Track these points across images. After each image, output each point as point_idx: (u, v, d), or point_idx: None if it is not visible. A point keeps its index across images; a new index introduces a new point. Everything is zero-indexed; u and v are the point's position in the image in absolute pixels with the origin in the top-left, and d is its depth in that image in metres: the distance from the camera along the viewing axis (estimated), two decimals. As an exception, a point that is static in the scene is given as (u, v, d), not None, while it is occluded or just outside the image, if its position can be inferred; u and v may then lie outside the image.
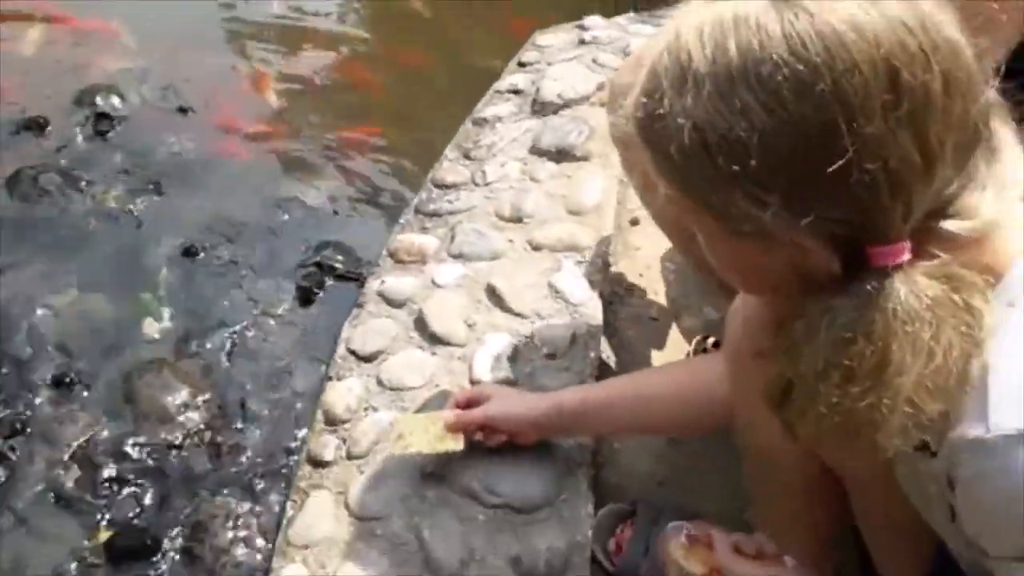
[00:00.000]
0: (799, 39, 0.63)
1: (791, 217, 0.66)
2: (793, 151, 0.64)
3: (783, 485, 1.04)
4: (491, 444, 1.24)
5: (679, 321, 1.60)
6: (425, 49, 2.85)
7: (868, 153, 0.63)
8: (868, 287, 0.65)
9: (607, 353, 1.52)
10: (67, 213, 2.05)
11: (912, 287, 0.65)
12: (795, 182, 0.65)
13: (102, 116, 2.35)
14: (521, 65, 2.28)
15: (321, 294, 1.91)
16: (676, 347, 1.56)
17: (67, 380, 1.66)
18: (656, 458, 1.37)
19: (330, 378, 1.48)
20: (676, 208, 0.74)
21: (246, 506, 1.48)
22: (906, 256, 0.65)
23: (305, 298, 1.89)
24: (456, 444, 1.21)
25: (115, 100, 2.42)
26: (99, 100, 2.39)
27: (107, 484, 1.51)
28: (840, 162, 0.62)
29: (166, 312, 1.84)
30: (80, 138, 2.30)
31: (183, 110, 2.45)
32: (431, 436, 1.22)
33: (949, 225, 0.67)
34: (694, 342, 1.52)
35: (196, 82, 2.54)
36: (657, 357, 1.56)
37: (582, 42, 2.33)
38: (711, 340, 1.49)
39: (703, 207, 0.70)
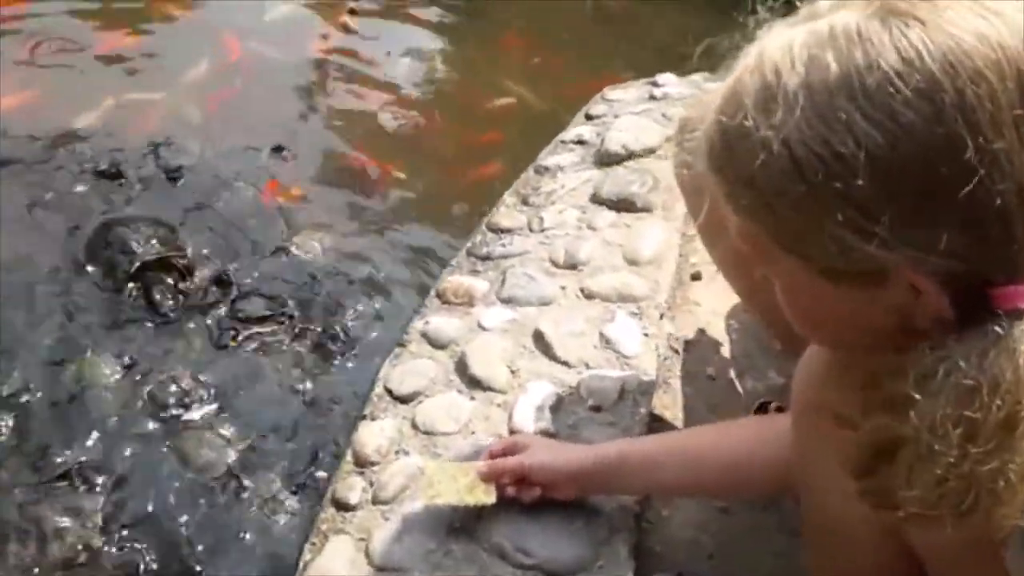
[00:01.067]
0: (912, 48, 0.56)
1: (902, 249, 0.57)
2: (907, 170, 0.56)
3: (852, 565, 0.92)
4: (525, 499, 1.15)
5: (741, 382, 1.49)
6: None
7: (998, 172, 0.54)
8: (995, 330, 0.56)
9: (659, 411, 1.42)
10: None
11: None
12: (910, 207, 0.56)
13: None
14: (588, 117, 2.24)
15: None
16: (734, 410, 1.44)
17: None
18: (705, 527, 1.25)
19: (363, 417, 1.42)
20: (749, 248, 0.66)
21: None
22: None
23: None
24: (488, 497, 1.12)
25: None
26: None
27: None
28: (965, 183, 0.54)
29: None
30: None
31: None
32: (461, 486, 1.14)
33: None
34: (756, 405, 1.40)
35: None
36: (715, 419, 1.44)
37: (652, 97, 2.28)
38: (774, 404, 1.37)
39: (787, 242, 0.62)
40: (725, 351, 1.55)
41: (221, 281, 1.95)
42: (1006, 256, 0.57)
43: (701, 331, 1.60)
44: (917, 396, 0.58)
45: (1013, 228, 0.55)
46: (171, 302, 1.87)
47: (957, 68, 0.55)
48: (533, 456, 1.14)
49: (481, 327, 1.51)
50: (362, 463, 1.33)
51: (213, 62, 2.75)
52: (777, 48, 0.61)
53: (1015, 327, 0.56)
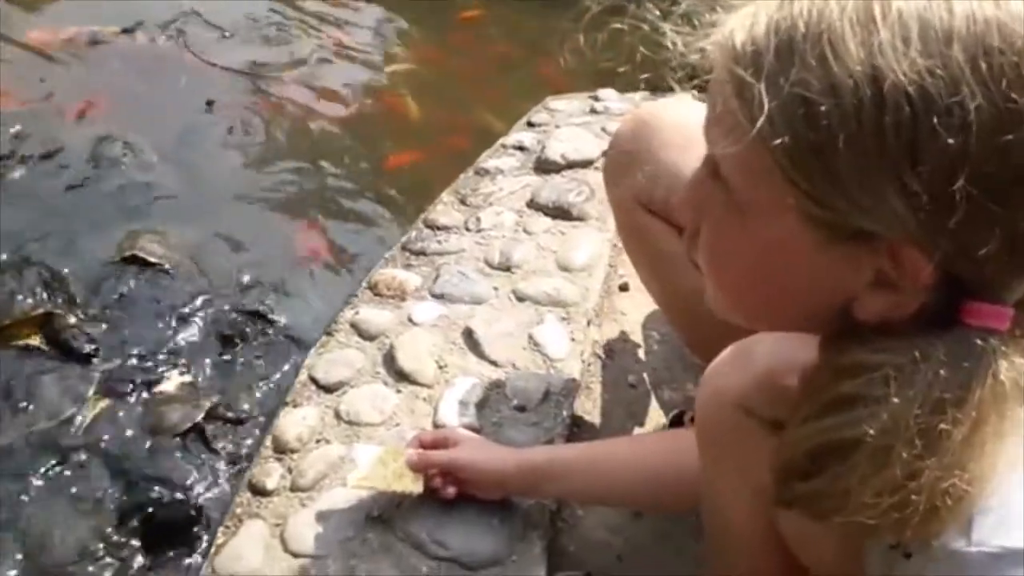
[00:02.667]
0: None
1: (934, 226, 0.51)
2: (1012, 151, 0.50)
3: (751, 571, 0.96)
4: (445, 494, 1.16)
5: (658, 392, 1.54)
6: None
7: None
8: (976, 343, 0.53)
9: (580, 414, 1.45)
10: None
11: (1010, 361, 0.53)
12: (993, 189, 0.50)
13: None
14: (530, 124, 2.27)
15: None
16: (653, 418, 1.49)
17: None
18: (617, 530, 1.29)
19: (286, 404, 1.40)
20: (738, 180, 0.57)
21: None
22: (1006, 325, 0.54)
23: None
24: (415, 486, 1.13)
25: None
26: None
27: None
28: None
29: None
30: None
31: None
32: (390, 472, 1.14)
33: None
34: (671, 415, 1.45)
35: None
36: (633, 425, 1.49)
37: (593, 111, 2.33)
38: (689, 415, 1.42)
39: (808, 180, 0.54)
40: (646, 360, 1.60)
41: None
42: (1004, 272, 0.54)
43: (624, 340, 1.65)
44: (895, 398, 0.53)
45: None
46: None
47: None
48: (464, 453, 1.14)
49: (411, 321, 1.52)
50: (281, 449, 1.32)
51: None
52: None
53: (989, 343, 0.53)
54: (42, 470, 1.46)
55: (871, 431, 0.54)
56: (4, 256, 1.86)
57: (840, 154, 0.52)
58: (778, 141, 0.53)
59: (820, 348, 0.61)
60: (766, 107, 0.53)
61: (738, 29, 0.56)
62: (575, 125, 2.20)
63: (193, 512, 1.42)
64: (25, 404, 1.56)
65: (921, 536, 0.56)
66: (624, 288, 1.74)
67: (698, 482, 0.94)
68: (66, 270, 1.85)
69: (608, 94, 2.44)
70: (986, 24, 0.51)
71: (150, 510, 1.41)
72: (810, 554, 0.83)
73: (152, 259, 1.92)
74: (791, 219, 0.56)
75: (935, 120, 0.50)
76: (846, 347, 0.58)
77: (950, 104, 0.50)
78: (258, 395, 1.67)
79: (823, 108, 0.52)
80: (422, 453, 1.15)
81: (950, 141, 0.50)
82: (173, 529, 1.40)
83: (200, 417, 1.56)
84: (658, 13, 0.65)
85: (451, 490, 1.15)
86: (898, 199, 0.52)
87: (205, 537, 1.39)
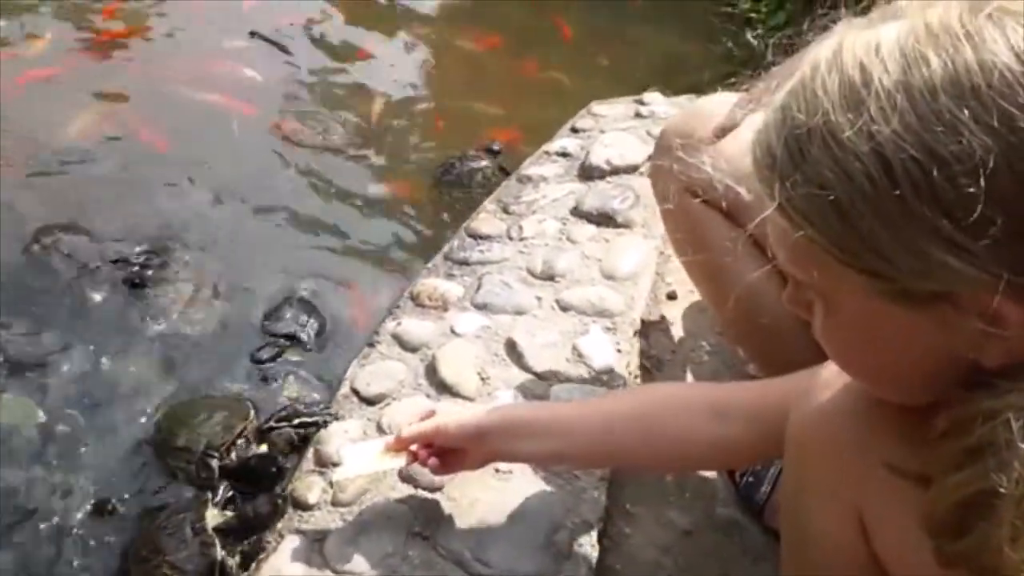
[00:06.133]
0: None
1: (995, 269, 0.51)
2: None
3: None
4: (426, 465, 1.09)
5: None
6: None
7: None
8: None
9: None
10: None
11: None
12: (1020, 220, 0.50)
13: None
14: (574, 131, 2.24)
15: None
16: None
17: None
18: (665, 549, 1.24)
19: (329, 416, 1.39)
20: (801, 268, 0.60)
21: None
22: None
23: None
24: (398, 461, 1.12)
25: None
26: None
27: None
28: None
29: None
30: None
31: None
32: (372, 456, 1.14)
33: None
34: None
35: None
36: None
37: (639, 115, 2.29)
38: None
39: (857, 256, 0.56)
40: (695, 371, 1.55)
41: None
42: None
43: (672, 351, 1.60)
44: (1022, 444, 0.52)
45: None
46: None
47: None
48: (434, 420, 1.09)
49: (453, 332, 1.50)
50: (323, 463, 1.31)
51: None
52: (860, 46, 0.56)
53: None
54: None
55: (1005, 480, 0.52)
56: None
57: (875, 230, 0.54)
58: (816, 233, 0.57)
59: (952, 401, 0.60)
60: (795, 205, 0.57)
61: (755, 144, 0.61)
62: (620, 130, 2.16)
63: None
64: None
65: None
66: (672, 297, 1.70)
67: (684, 436, 0.97)
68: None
69: (654, 98, 2.39)
70: (965, 67, 0.52)
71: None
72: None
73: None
74: (870, 299, 0.58)
75: (948, 170, 0.51)
76: (971, 396, 0.57)
77: (956, 151, 0.51)
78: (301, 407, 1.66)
79: (842, 193, 0.55)
80: (399, 435, 1.11)
81: (971, 189, 0.51)
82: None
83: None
84: None
85: (432, 460, 1.08)
86: (946, 254, 0.53)
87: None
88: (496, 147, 2.47)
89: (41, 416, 1.56)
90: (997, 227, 0.51)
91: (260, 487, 1.41)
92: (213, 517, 1.38)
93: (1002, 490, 0.52)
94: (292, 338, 1.78)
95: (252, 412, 1.58)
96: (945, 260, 0.53)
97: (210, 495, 1.42)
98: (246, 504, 1.37)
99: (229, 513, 1.39)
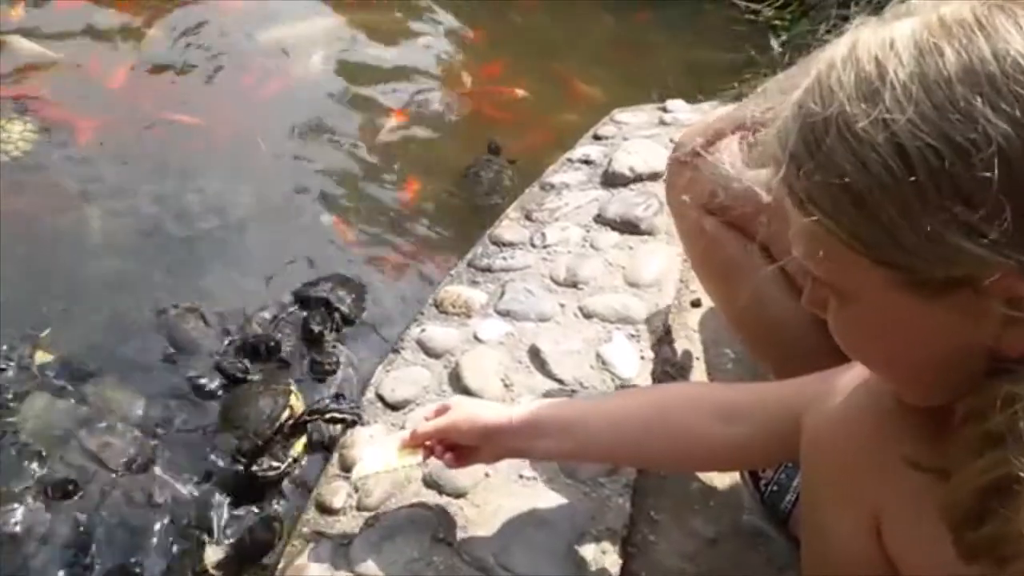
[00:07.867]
0: None
1: (1017, 255, 0.52)
2: None
3: None
4: (443, 460, 1.10)
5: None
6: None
7: None
8: None
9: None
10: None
11: None
12: None
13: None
14: (596, 138, 2.24)
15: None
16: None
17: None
18: (690, 557, 1.23)
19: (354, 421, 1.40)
20: (819, 262, 0.60)
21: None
22: None
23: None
24: (415, 457, 1.12)
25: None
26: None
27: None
28: None
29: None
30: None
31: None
32: (389, 453, 1.14)
33: None
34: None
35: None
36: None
37: (662, 123, 2.29)
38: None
39: (875, 247, 0.56)
40: (719, 379, 1.54)
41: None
42: None
43: (697, 358, 1.59)
44: None
45: None
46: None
47: None
48: (450, 416, 1.09)
49: (477, 339, 1.50)
50: (348, 468, 1.31)
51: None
52: (874, 42, 0.57)
53: None
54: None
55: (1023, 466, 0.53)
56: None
57: (894, 219, 0.55)
58: (833, 223, 0.58)
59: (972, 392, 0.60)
60: (812, 195, 0.58)
61: (773, 142, 0.61)
62: (643, 137, 2.16)
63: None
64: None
65: None
66: (696, 304, 1.69)
67: (687, 435, 0.97)
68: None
69: (677, 105, 2.39)
70: (980, 56, 0.53)
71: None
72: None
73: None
74: (888, 290, 0.58)
75: (965, 157, 0.52)
76: (990, 382, 0.57)
77: (974, 138, 0.52)
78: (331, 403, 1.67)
79: (858, 182, 0.55)
80: (413, 430, 1.12)
81: (987, 174, 0.51)
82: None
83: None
84: None
85: (447, 455, 1.10)
86: (966, 240, 0.53)
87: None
88: (494, 146, 2.48)
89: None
90: (1014, 211, 0.52)
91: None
92: (213, 554, 1.38)
93: (1022, 475, 0.53)
94: (317, 342, 1.80)
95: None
96: (963, 245, 0.53)
97: (206, 536, 1.43)
98: (243, 534, 1.39)
99: (229, 540, 1.40)
